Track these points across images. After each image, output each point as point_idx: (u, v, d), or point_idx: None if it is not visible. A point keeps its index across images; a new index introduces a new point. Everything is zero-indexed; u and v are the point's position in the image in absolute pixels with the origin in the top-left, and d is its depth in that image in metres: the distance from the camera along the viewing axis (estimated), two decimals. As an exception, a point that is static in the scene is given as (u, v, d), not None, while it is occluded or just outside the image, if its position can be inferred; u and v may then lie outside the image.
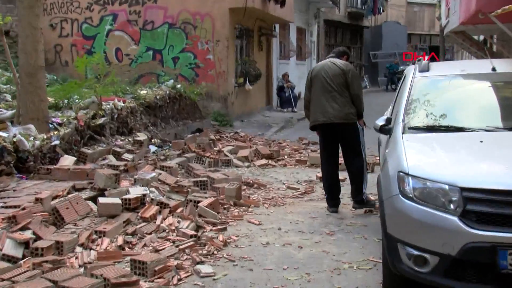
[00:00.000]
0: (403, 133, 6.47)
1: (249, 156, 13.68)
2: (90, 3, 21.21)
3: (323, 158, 9.66)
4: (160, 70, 20.65)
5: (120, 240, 7.39)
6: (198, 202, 8.91)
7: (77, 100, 12.84)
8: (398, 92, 8.08)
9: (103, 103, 12.88)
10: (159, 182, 9.76)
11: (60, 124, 11.28)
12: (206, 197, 9.21)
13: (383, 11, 46.59)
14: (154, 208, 8.35)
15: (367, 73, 45.70)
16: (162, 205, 8.56)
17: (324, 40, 38.48)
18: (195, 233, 7.66)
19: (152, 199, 8.62)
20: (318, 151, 15.45)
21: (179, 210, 8.63)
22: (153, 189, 9.06)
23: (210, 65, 20.49)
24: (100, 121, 12.16)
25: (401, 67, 41.65)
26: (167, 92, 16.19)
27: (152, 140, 13.67)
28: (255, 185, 11.11)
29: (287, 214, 9.23)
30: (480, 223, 5.08)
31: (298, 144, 16.82)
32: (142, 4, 20.79)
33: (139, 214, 8.21)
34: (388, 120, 6.98)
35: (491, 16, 11.75)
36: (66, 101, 12.98)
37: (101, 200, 8.26)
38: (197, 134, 15.54)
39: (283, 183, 11.57)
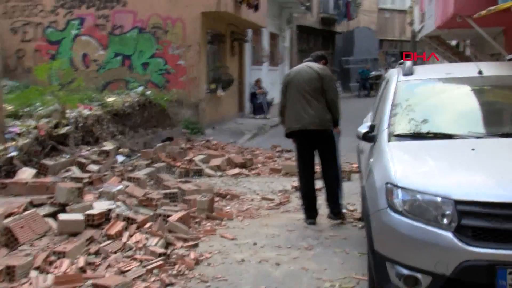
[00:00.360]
0: (388, 141, 6.01)
1: (221, 165, 13.15)
2: (55, 7, 20.37)
3: (300, 166, 9.22)
4: (129, 76, 19.92)
5: (81, 261, 6.74)
6: (168, 216, 8.39)
7: (39, 108, 12.12)
8: (381, 97, 7.58)
9: (67, 111, 12.22)
10: (126, 195, 9.18)
11: (18, 134, 10.59)
12: (176, 211, 8.69)
13: (355, 16, 46.33)
14: (120, 224, 7.75)
15: (339, 79, 44.87)
16: (129, 221, 7.97)
17: (297, 46, 37.99)
18: (164, 251, 7.08)
19: (118, 214, 8.00)
20: (293, 159, 15.22)
21: (147, 225, 8.07)
22: (119, 203, 8.47)
23: (181, 71, 19.85)
24: (63, 130, 11.50)
25: (373, 72, 41.80)
26: (136, 99, 15.53)
27: (120, 150, 13.01)
28: (228, 196, 10.60)
29: (263, 227, 8.73)
30: (476, 239, 4.67)
31: (272, 151, 16.30)
32: (111, 8, 20.07)
33: (104, 231, 7.61)
34: (372, 127, 6.50)
35: (469, 19, 11.46)
36: (27, 109, 12.26)
37: (62, 216, 7.63)
38: (167, 142, 14.95)
39: (257, 194, 11.08)
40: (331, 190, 8.97)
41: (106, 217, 7.95)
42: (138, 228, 7.89)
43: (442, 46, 17.70)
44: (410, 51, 47.62)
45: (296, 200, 10.40)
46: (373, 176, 5.60)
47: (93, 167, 10.97)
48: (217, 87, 21.75)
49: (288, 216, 9.41)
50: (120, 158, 12.56)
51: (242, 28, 25.06)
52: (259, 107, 25.96)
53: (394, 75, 7.18)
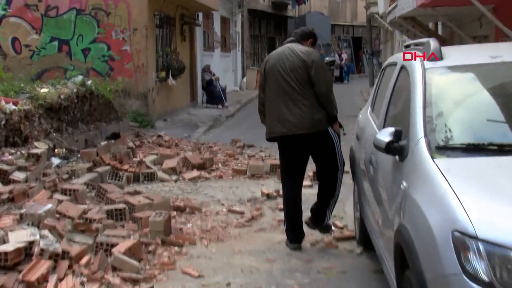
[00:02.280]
0: (432, 157, 3.97)
1: (177, 167, 11.04)
2: (-23, -16, 17.74)
3: (283, 177, 7.26)
4: (67, 63, 17.51)
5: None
6: (112, 245, 6.29)
7: None
8: (393, 89, 5.56)
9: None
10: (58, 215, 7.04)
11: None
12: (123, 236, 6.63)
13: (307, 1, 44.98)
14: (44, 265, 5.60)
15: (292, 65, 43.85)
16: (58, 257, 5.84)
17: (249, 31, 36.46)
18: (106, 308, 4.98)
19: (42, 249, 5.82)
20: (256, 156, 13.25)
21: (84, 260, 5.98)
22: (45, 231, 6.27)
23: (127, 58, 17.60)
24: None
25: (327, 58, 40.47)
26: (75, 90, 13.17)
27: (56, 151, 10.79)
28: (188, 210, 8.51)
29: (235, 255, 6.73)
30: None
31: (232, 147, 14.38)
32: (44, -14, 17.64)
33: (21, 276, 5.44)
34: (398, 134, 4.40)
35: None
36: None
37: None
38: (113, 141, 12.73)
39: (222, 204, 9.06)
40: (323, 199, 7.12)
41: (26, 253, 5.82)
42: (70, 267, 5.80)
43: (418, 27, 15.98)
44: (365, 36, 46.64)
45: (270, 213, 8.60)
46: (420, 215, 3.63)
47: (19, 175, 8.79)
48: (168, 75, 19.70)
49: (264, 237, 7.44)
50: (55, 161, 10.38)
51: (192, 11, 23.14)
52: (218, 95, 23.81)
53: (414, 62, 5.07)
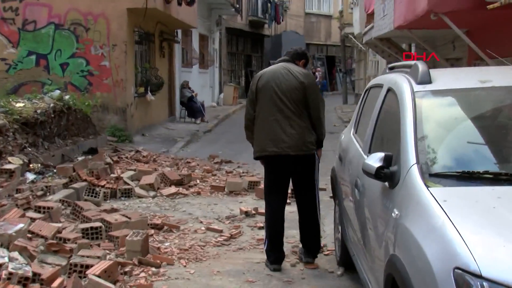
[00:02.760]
0: (426, 185, 3.60)
1: (155, 183, 10.60)
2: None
3: (268, 195, 6.80)
4: (45, 78, 16.90)
5: None
6: (87, 266, 5.86)
7: None
8: (379, 113, 5.17)
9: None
10: (30, 235, 6.58)
11: None
12: (98, 257, 6.18)
13: (283, 20, 44.81)
14: (13, 290, 5.15)
15: (268, 82, 43.57)
16: (28, 281, 5.39)
17: (226, 48, 36.14)
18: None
19: (10, 273, 5.36)
20: (234, 172, 12.86)
21: (56, 282, 5.54)
22: (15, 253, 5.81)
23: (106, 73, 17.07)
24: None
25: None
26: (51, 104, 12.64)
27: (31, 165, 10.29)
28: (165, 227, 8.07)
29: (214, 277, 6.31)
30: None
31: (210, 163, 13.87)
32: (20, 0, 16.92)
33: (-12, 301, 5.02)
34: (388, 160, 4.05)
35: (444, 17, 9.52)
36: None
37: None
38: (89, 156, 12.23)
39: (201, 222, 8.61)
40: (312, 229, 6.73)
41: (-5, 275, 5.37)
42: (42, 291, 5.36)
43: (393, 48, 15.73)
44: (338, 55, 46.59)
45: (249, 231, 8.19)
46: (416, 248, 3.24)
47: (-9, 191, 8.31)
48: (146, 91, 19.21)
49: (243, 257, 7.02)
50: (30, 176, 9.87)
51: (171, 28, 22.61)
52: (199, 110, 23.40)
53: (402, 83, 4.73)
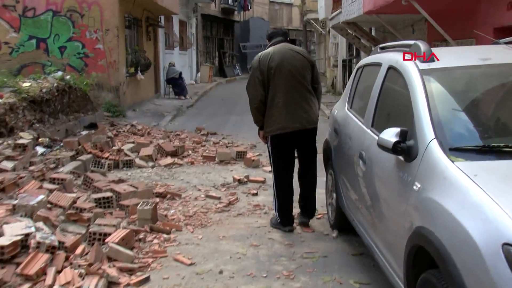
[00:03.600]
0: (451, 160, 3.28)
1: (153, 154, 10.25)
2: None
3: (280, 169, 6.39)
4: (45, 59, 16.28)
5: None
6: (105, 234, 5.53)
7: None
8: (381, 91, 4.78)
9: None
10: (49, 205, 6.22)
11: None
12: (114, 225, 5.83)
13: (250, 8, 44.20)
14: (42, 258, 4.81)
15: (238, 62, 43.24)
16: (54, 249, 5.05)
17: (202, 32, 35.57)
18: (109, 303, 4.23)
19: (39, 242, 5.02)
20: (221, 143, 12.51)
21: (79, 249, 5.22)
22: (40, 223, 5.47)
23: (100, 55, 16.52)
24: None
25: None
26: (55, 84, 12.17)
27: (40, 140, 9.85)
28: (169, 196, 7.75)
29: (221, 242, 5.99)
30: None
31: (197, 135, 13.50)
32: (20, -12, 16.32)
33: (19, 270, 4.65)
34: (404, 134, 3.69)
35: (414, 3, 9.30)
36: None
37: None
38: (92, 131, 11.82)
39: (199, 189, 8.28)
40: (312, 193, 6.51)
41: (22, 245, 5.01)
42: (67, 258, 5.02)
43: (359, 32, 15.42)
44: (299, 38, 46.18)
45: (244, 198, 7.85)
46: (454, 224, 2.90)
47: (7, 165, 7.84)
48: (136, 71, 18.69)
49: (244, 222, 6.70)
50: (40, 150, 9.43)
51: (156, 14, 22.03)
52: (185, 87, 22.91)
53: (405, 63, 4.34)
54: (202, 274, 5.04)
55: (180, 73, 23.03)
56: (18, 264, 4.75)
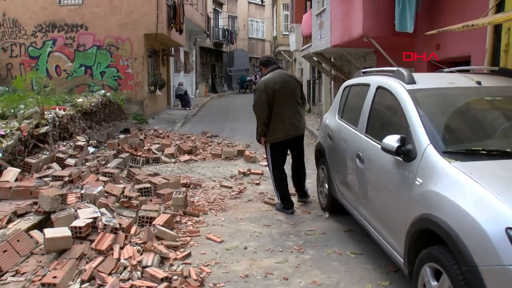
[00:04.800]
0: (448, 161, 3.14)
1: (174, 152, 10.00)
2: (34, 31, 16.19)
3: (278, 167, 6.27)
4: (90, 81, 16.02)
5: (75, 295, 3.63)
6: (151, 218, 5.31)
7: (21, 111, 8.30)
8: (372, 105, 4.59)
9: (45, 112, 8.59)
10: (106, 194, 5.98)
11: (3, 136, 6.97)
12: (156, 210, 5.60)
13: (235, 42, 43.84)
14: (109, 237, 4.60)
15: (225, 82, 42.85)
16: (116, 231, 4.82)
17: (199, 60, 35.03)
18: (165, 274, 4.01)
19: (105, 225, 4.80)
20: (223, 143, 12.24)
21: (132, 230, 5.00)
22: (103, 209, 5.24)
23: (129, 77, 16.22)
24: (43, 129, 7.88)
25: (248, 77, 40.31)
26: (100, 99, 11.87)
27: (90, 142, 9.55)
28: (191, 186, 7.52)
29: (239, 223, 5.75)
30: None
31: (204, 137, 13.13)
32: (76, 31, 16.08)
33: (94, 245, 4.43)
34: (403, 140, 3.55)
35: (373, 40, 9.13)
36: (12, 110, 8.41)
37: (48, 234, 4.34)
38: (128, 135, 11.50)
39: (214, 180, 8.01)
40: (304, 180, 6.55)
41: (92, 225, 4.78)
42: (125, 237, 4.80)
43: (325, 60, 15.16)
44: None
45: (250, 187, 7.57)
46: (459, 212, 2.76)
47: (71, 161, 7.58)
48: (155, 89, 18.32)
49: (254, 207, 6.45)
50: (91, 150, 9.14)
51: (168, 46, 21.51)
52: (189, 101, 22.46)
53: (393, 83, 4.20)
54: (231, 250, 4.84)
55: (186, 91, 22.66)
56: (91, 241, 4.53)
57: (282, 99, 5.95)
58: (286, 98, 5.97)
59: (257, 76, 42.32)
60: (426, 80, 4.26)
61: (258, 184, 7.72)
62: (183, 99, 22.39)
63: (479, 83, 4.11)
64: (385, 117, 4.41)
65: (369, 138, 4.42)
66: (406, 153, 3.50)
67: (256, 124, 6.25)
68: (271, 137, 6.09)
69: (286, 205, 6.16)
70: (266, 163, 9.16)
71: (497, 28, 6.09)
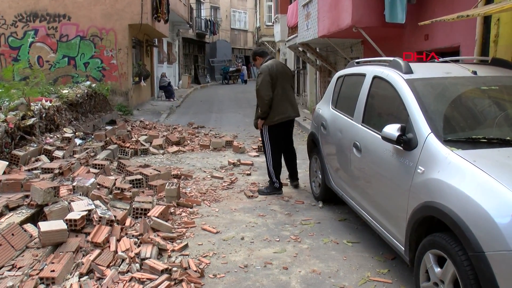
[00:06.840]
0: (449, 149, 3.13)
1: (163, 144, 9.89)
2: (14, 21, 15.74)
3: (277, 149, 6.53)
4: (74, 72, 15.72)
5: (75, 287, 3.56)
6: (145, 210, 5.25)
7: (6, 102, 8.13)
8: (368, 95, 4.55)
9: (31, 103, 8.41)
10: (98, 186, 5.89)
11: (-13, 128, 6.81)
12: (149, 202, 5.55)
13: (217, 33, 43.51)
14: (105, 230, 4.53)
15: (208, 73, 42.57)
16: (112, 223, 4.75)
17: (182, 51, 34.74)
18: (165, 265, 3.96)
19: (100, 217, 4.72)
20: (209, 134, 12.14)
21: (127, 222, 4.93)
22: (97, 201, 5.16)
23: (114, 68, 15.95)
24: (30, 121, 7.71)
25: (231, 68, 40.22)
26: (85, 90, 11.69)
27: (77, 133, 9.39)
28: (182, 177, 7.45)
29: (234, 214, 5.71)
30: None
31: (191, 128, 13.03)
32: (58, 21, 15.70)
33: (90, 238, 4.36)
34: (403, 129, 3.54)
35: (361, 31, 9.10)
36: None
37: (43, 227, 4.26)
38: (116, 126, 11.36)
39: (204, 171, 7.94)
40: (295, 164, 6.84)
41: (86, 218, 4.71)
42: (122, 230, 4.73)
43: (311, 50, 15.10)
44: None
45: (241, 178, 7.52)
46: (464, 199, 2.75)
47: (59, 153, 7.46)
48: (140, 80, 18.12)
49: (247, 197, 6.39)
50: (78, 141, 8.99)
51: (152, 37, 21.24)
52: (172, 93, 22.23)
53: (391, 73, 4.16)
54: (228, 240, 4.80)
55: (169, 82, 22.44)
56: (86, 234, 4.46)
57: (283, 82, 6.28)
58: (285, 81, 6.31)
59: (242, 67, 42.23)
60: (423, 70, 4.24)
61: (249, 174, 7.68)
62: (167, 90, 22.18)
63: (474, 72, 4.12)
64: (382, 107, 4.40)
65: (366, 127, 4.41)
66: (407, 142, 3.49)
67: (252, 112, 6.37)
68: (276, 117, 6.30)
69: (279, 188, 6.42)
70: (256, 154, 9.23)
71: (487, 19, 6.13)
